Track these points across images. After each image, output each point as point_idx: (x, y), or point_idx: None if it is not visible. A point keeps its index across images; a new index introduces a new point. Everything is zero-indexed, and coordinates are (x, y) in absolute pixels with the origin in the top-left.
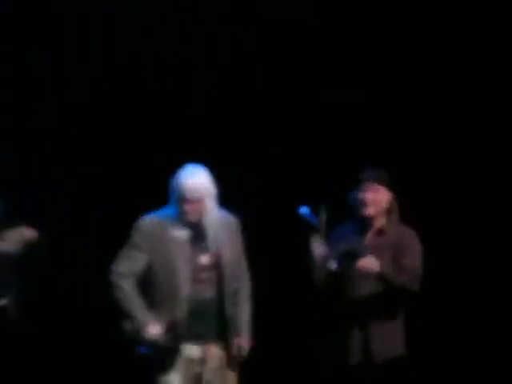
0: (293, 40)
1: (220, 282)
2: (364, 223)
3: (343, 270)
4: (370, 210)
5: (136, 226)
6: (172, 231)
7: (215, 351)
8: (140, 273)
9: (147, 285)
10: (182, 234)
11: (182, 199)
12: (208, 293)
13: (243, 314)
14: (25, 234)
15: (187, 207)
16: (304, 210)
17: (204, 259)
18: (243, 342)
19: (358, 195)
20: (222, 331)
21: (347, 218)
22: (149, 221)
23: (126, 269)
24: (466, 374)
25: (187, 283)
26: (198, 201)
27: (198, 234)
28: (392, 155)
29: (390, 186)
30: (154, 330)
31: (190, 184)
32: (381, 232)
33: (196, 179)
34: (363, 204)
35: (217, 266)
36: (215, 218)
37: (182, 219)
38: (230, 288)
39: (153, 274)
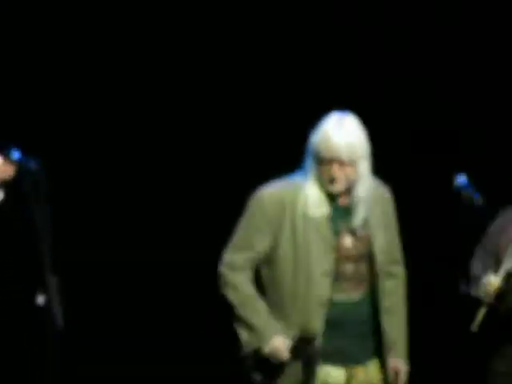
0: None
1: (371, 278)
2: None
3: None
4: None
5: (255, 199)
6: (306, 206)
7: (363, 376)
8: (258, 262)
9: (265, 279)
10: (319, 210)
11: (326, 161)
12: (354, 293)
13: (399, 323)
14: None
15: (335, 172)
16: (462, 181)
17: (348, 243)
18: (400, 364)
19: None
20: (371, 348)
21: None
22: (273, 192)
23: (242, 258)
24: None
25: (326, 279)
26: (351, 164)
27: (342, 211)
28: None
29: None
30: (281, 344)
31: (341, 139)
32: None
33: (349, 133)
34: None
35: (367, 255)
36: (367, 188)
37: (322, 188)
38: (384, 287)
39: (275, 265)
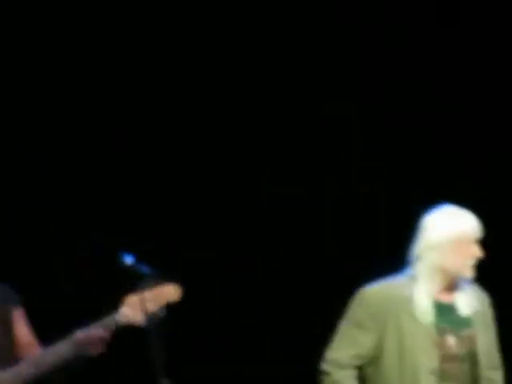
0: None
1: (473, 378)
2: None
3: None
4: None
5: (359, 296)
6: (411, 304)
7: None
8: (363, 361)
9: (369, 377)
10: (425, 307)
11: (470, 241)
12: None
13: None
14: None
15: (477, 251)
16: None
17: (452, 342)
18: None
19: None
20: None
21: None
22: (377, 289)
23: (347, 356)
24: None
25: (431, 377)
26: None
27: (445, 308)
28: None
29: None
30: None
31: (473, 221)
32: None
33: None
34: None
35: (470, 355)
36: (470, 285)
37: (429, 286)
38: None
39: (379, 363)
